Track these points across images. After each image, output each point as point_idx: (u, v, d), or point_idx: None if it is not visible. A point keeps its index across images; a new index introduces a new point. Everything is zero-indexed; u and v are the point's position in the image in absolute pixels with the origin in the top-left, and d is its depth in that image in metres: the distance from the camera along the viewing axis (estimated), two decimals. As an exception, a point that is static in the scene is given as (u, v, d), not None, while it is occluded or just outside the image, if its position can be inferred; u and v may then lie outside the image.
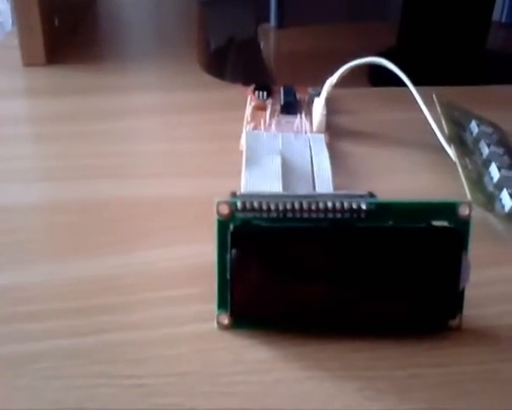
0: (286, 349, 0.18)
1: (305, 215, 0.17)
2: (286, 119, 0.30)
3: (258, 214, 0.17)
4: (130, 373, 0.17)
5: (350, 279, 0.18)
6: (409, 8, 0.47)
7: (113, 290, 0.20)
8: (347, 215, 0.17)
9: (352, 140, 0.30)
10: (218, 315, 0.18)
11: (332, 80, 0.29)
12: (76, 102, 0.34)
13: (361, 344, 0.18)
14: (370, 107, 0.33)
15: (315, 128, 0.29)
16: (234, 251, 0.17)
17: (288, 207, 0.17)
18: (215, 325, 0.18)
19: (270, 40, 0.57)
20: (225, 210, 0.17)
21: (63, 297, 0.20)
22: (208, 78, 0.38)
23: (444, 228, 0.17)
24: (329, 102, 0.31)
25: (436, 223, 0.17)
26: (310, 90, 0.33)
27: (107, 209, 0.24)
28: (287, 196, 0.18)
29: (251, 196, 0.18)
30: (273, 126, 0.29)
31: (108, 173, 0.27)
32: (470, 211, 0.18)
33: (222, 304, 0.18)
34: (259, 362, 0.17)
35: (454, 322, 0.18)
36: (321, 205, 0.17)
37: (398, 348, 0.18)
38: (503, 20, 0.57)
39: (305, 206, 0.17)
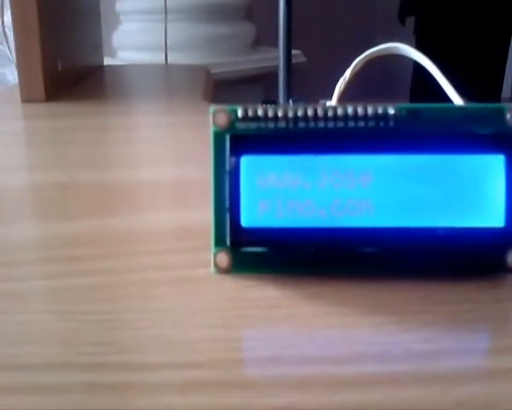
0: (302, 290, 0.14)
1: (321, 125, 0.14)
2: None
3: (263, 124, 0.14)
4: (96, 310, 0.13)
5: (382, 202, 0.14)
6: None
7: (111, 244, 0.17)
8: (372, 123, 0.14)
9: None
10: (214, 254, 0.15)
11: (345, 77, 0.26)
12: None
13: (399, 285, 0.14)
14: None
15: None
16: (233, 159, 0.14)
17: (300, 114, 0.14)
18: (212, 268, 0.15)
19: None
20: (223, 119, 0.14)
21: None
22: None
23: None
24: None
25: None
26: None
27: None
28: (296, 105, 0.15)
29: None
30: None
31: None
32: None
33: (219, 240, 0.15)
34: (265, 299, 0.14)
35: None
36: (340, 112, 0.14)
37: (443, 287, 0.14)
38: None
39: (320, 113, 0.14)
